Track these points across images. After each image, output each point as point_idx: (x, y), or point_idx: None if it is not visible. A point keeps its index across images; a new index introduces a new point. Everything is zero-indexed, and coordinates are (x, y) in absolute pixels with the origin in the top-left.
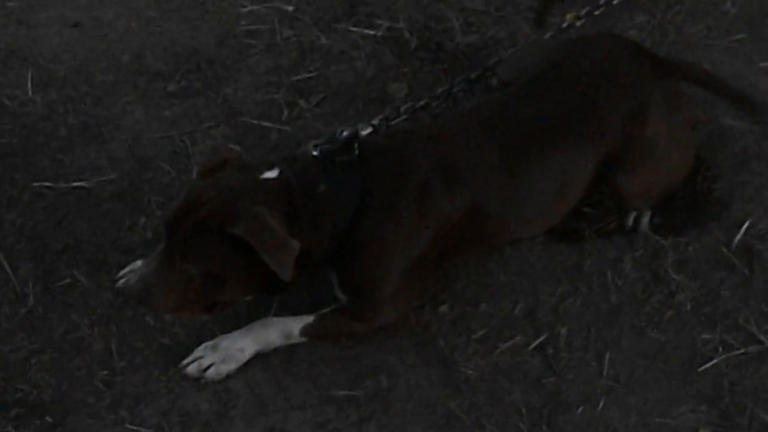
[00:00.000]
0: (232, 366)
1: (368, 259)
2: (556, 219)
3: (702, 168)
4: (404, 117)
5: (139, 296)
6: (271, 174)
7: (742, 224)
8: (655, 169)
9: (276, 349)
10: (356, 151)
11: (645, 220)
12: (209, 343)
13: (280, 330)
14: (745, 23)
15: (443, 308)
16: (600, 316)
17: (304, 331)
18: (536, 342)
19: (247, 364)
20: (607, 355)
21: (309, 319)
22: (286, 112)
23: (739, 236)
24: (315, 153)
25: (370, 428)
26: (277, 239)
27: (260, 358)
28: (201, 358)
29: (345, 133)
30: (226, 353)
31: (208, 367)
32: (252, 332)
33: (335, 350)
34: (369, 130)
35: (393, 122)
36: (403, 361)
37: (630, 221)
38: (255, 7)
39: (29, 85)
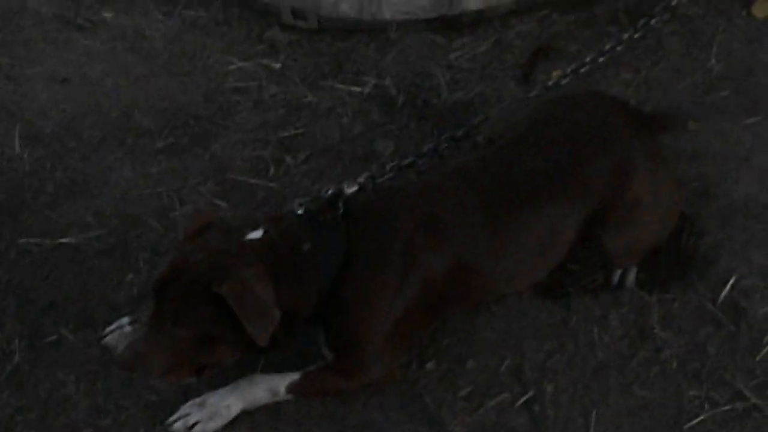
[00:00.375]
0: (218, 423)
1: (354, 317)
2: (541, 275)
3: (687, 224)
4: (390, 175)
5: (130, 363)
6: (256, 234)
7: (728, 280)
8: (639, 227)
9: (262, 407)
10: (341, 210)
11: (631, 276)
12: (196, 401)
13: (267, 387)
14: (729, 80)
15: (430, 365)
16: (586, 373)
17: (291, 389)
18: (522, 399)
19: (233, 421)
20: (594, 413)
21: (295, 376)
22: (272, 169)
23: (724, 292)
24: (300, 212)
25: None
26: (259, 305)
27: (246, 415)
28: (187, 415)
29: (330, 192)
30: (213, 410)
31: (194, 425)
32: (238, 389)
33: (321, 407)
34: (355, 188)
35: (379, 180)
36: (389, 419)
37: (616, 278)
38: (242, 64)
39: (16, 140)
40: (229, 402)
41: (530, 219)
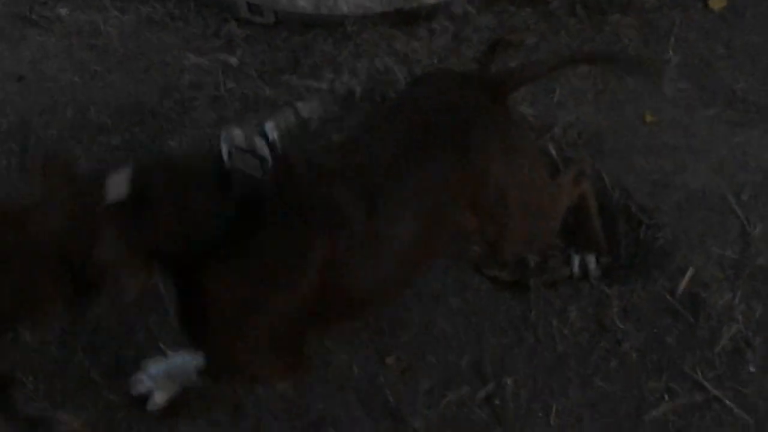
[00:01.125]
0: None
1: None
2: (418, 274)
3: (645, 217)
4: None
5: None
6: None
7: (686, 272)
8: (511, 212)
9: (222, 404)
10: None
11: (591, 264)
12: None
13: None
14: (686, 72)
15: (389, 360)
16: (546, 366)
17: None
18: (483, 393)
19: (194, 419)
20: (554, 406)
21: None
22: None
23: (683, 284)
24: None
25: None
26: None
27: (206, 413)
28: None
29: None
30: None
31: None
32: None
33: (281, 403)
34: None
35: None
36: (350, 414)
37: (575, 267)
38: (199, 60)
39: None
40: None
41: (400, 200)
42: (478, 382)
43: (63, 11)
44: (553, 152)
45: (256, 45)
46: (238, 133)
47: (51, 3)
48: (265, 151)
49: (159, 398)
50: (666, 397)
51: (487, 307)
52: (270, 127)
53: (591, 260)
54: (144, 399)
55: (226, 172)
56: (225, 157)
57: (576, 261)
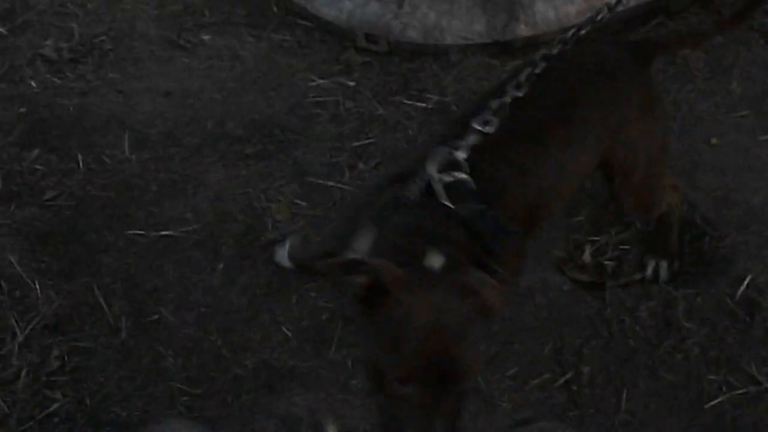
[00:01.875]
0: None
1: None
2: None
3: (709, 229)
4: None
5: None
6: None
7: (744, 279)
8: (636, 164)
9: None
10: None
11: (663, 270)
12: None
13: None
14: (748, 101)
15: (481, 347)
16: (618, 358)
17: None
18: (562, 380)
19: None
20: (624, 393)
21: None
22: (347, 173)
23: (741, 289)
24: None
25: None
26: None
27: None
28: None
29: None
30: None
31: None
32: None
33: None
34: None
35: None
36: None
37: (650, 271)
38: (321, 81)
39: (126, 145)
40: None
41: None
42: (558, 369)
43: (206, 37)
44: None
45: (371, 70)
46: None
47: (195, 30)
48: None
49: None
50: (724, 388)
51: (568, 304)
52: None
53: (663, 266)
54: None
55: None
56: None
57: (651, 266)
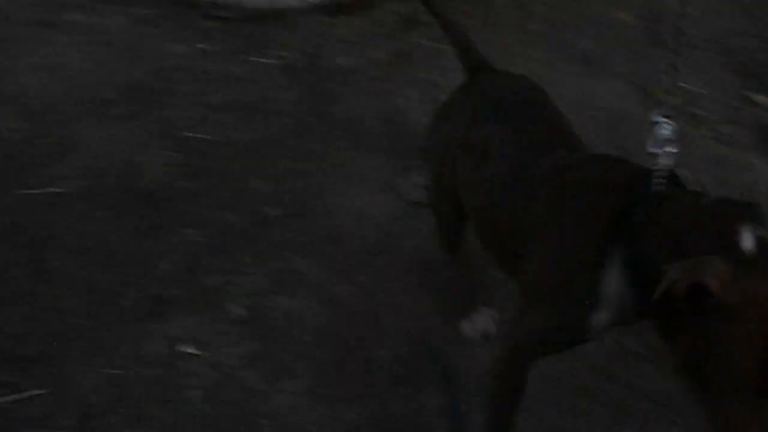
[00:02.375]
0: None
1: None
2: None
3: None
4: None
5: None
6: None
7: None
8: None
9: None
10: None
11: None
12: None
13: None
14: None
15: None
16: None
17: None
18: None
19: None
20: None
21: None
22: (213, 126)
23: None
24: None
25: None
26: None
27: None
28: None
29: None
30: None
31: None
32: None
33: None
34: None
35: None
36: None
37: None
38: (181, 47)
39: (10, 118)
40: None
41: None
42: None
43: (79, 16)
44: None
45: (225, 35)
46: None
47: (70, 10)
48: None
49: None
50: None
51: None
52: None
53: None
54: None
55: None
56: None
57: None
